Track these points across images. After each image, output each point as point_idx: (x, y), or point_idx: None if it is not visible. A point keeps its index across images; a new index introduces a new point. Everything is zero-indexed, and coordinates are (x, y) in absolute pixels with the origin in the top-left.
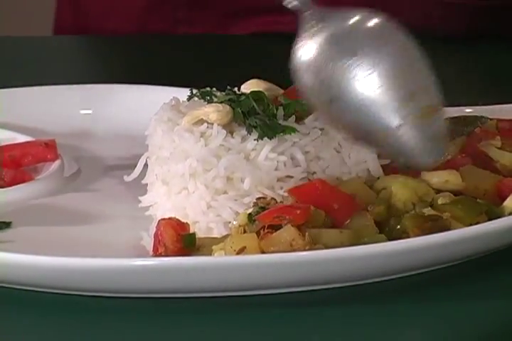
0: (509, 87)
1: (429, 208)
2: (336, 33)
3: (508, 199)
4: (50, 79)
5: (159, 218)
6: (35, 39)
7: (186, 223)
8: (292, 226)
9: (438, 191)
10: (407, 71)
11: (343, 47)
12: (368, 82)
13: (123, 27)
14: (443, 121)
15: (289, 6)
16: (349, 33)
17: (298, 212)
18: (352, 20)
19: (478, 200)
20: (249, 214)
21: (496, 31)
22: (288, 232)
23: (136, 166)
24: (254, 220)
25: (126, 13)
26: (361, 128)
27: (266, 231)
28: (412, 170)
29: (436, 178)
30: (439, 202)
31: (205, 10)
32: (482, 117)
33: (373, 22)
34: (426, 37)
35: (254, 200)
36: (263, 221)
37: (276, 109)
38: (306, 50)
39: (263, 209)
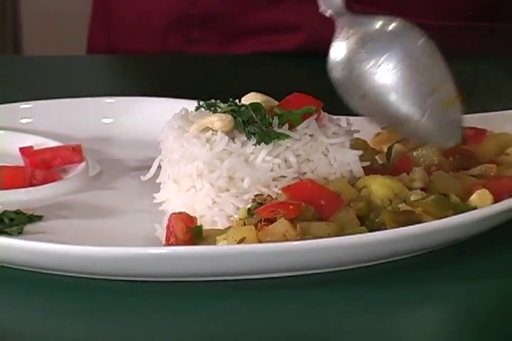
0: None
1: (404, 204)
2: (365, 35)
3: (473, 196)
4: (81, 93)
5: (171, 212)
6: (70, 58)
7: (194, 217)
8: (285, 219)
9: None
10: (428, 67)
11: (372, 48)
12: (394, 78)
13: (145, 46)
14: (459, 109)
15: (326, 13)
16: (376, 36)
17: (291, 207)
18: (378, 25)
19: (446, 197)
20: (249, 209)
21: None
22: (282, 225)
23: (151, 167)
24: (253, 214)
25: (148, 34)
26: (390, 119)
27: (263, 223)
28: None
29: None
30: (412, 198)
31: (213, 30)
32: None
33: (396, 25)
34: None
35: (253, 197)
36: (260, 215)
37: (272, 118)
38: (340, 51)
39: (260, 204)
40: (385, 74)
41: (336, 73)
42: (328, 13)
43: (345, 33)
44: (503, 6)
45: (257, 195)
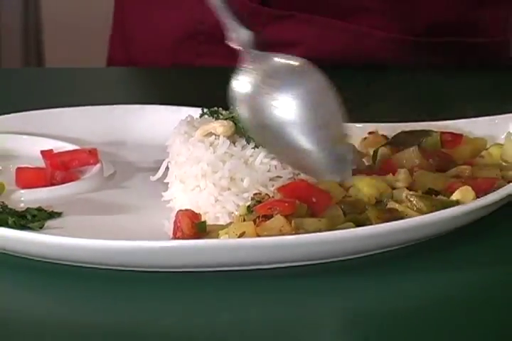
0: (443, 108)
1: (391, 201)
2: (267, 71)
3: (456, 192)
4: (99, 101)
5: (177, 209)
6: (89, 70)
7: (199, 213)
8: (281, 215)
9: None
10: (321, 105)
11: (271, 83)
12: (289, 113)
13: (159, 59)
14: (348, 147)
15: (233, 46)
16: (276, 72)
17: (286, 204)
18: (280, 62)
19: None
20: (248, 206)
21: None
22: (278, 221)
23: (159, 168)
24: (252, 211)
25: (161, 48)
26: (284, 151)
27: (261, 219)
28: (374, 172)
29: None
30: (403, 196)
31: (219, 45)
32: (430, 131)
33: (296, 64)
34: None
35: (252, 195)
36: (259, 211)
37: None
38: (242, 83)
39: (259, 202)
40: (283, 109)
41: (237, 105)
42: (236, 46)
43: (247, 67)
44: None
45: (255, 194)
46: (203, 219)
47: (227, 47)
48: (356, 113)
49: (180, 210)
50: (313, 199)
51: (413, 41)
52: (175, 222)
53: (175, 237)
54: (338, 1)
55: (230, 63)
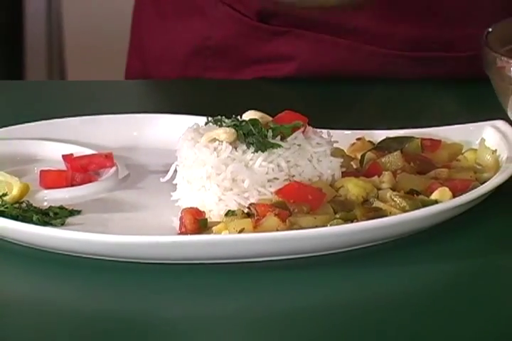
0: (424, 117)
1: (377, 201)
2: None
3: (434, 193)
4: (115, 110)
5: (184, 208)
6: (108, 82)
7: (203, 211)
8: (275, 216)
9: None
10: None
11: None
12: None
13: (170, 72)
14: None
15: None
16: None
17: (277, 211)
18: None
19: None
20: (247, 213)
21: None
22: (273, 221)
23: (169, 171)
24: (248, 214)
25: (172, 62)
26: None
27: (256, 218)
28: (361, 174)
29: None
30: (387, 196)
31: (224, 59)
32: (411, 137)
33: None
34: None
35: (248, 205)
36: (261, 213)
37: (267, 131)
38: None
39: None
40: None
41: None
42: None
43: None
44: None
45: (251, 204)
46: (207, 217)
47: (231, 61)
48: (345, 121)
49: (186, 208)
50: (309, 196)
51: (398, 55)
52: (180, 219)
53: (180, 232)
54: (329, 19)
55: (233, 76)
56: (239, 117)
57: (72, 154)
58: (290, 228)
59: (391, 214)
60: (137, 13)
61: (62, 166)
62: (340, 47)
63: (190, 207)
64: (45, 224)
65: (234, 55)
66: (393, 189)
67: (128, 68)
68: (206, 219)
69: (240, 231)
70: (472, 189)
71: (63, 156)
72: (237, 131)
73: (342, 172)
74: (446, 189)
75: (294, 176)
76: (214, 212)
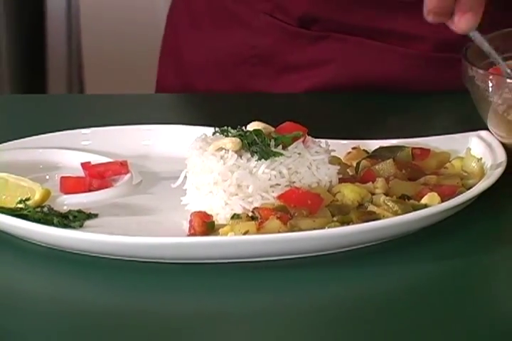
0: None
1: (371, 205)
2: None
3: (423, 198)
4: (128, 122)
5: (193, 211)
6: (125, 96)
7: (211, 215)
8: (277, 219)
9: (374, 194)
10: None
11: None
12: None
13: (216, 81)
14: None
15: None
16: None
17: (279, 214)
18: None
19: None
20: (251, 216)
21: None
22: (275, 223)
23: (179, 177)
24: (252, 217)
25: (216, 71)
26: None
27: (259, 221)
28: (356, 180)
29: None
30: (380, 200)
31: (267, 67)
32: (403, 146)
33: None
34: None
35: (252, 209)
36: (264, 216)
37: (270, 141)
38: None
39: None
40: None
41: None
42: None
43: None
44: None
45: (255, 208)
46: (215, 220)
47: (275, 67)
48: (342, 131)
49: (194, 212)
50: (308, 201)
51: (429, 56)
52: (189, 222)
53: (189, 234)
54: (365, 23)
55: (276, 81)
56: (244, 128)
57: (89, 162)
58: (291, 230)
59: (384, 217)
60: (170, 25)
61: (81, 173)
62: (375, 48)
63: (199, 211)
64: (64, 226)
65: (278, 61)
66: (386, 194)
67: (160, 79)
68: (213, 222)
69: (245, 233)
70: (459, 194)
71: (82, 164)
72: (242, 140)
73: (339, 179)
74: (435, 194)
75: (294, 182)
76: (221, 216)
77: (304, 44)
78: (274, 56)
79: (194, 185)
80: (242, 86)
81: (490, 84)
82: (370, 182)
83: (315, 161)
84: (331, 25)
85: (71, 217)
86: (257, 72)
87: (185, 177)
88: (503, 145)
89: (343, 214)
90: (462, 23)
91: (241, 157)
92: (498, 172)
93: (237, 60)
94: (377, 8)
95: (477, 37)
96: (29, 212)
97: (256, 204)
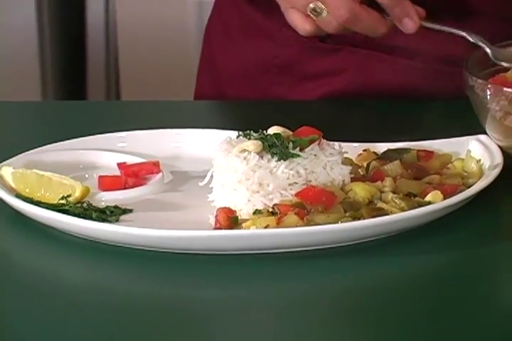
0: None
1: (380, 202)
2: None
3: (427, 196)
4: (163, 126)
5: (218, 207)
6: (160, 102)
7: (235, 210)
8: (294, 214)
9: (383, 192)
10: None
11: None
12: None
13: (244, 87)
14: None
15: None
16: None
17: (296, 210)
18: None
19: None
20: (272, 212)
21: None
22: (293, 218)
23: (206, 176)
24: (272, 213)
25: (244, 78)
26: None
27: (279, 216)
28: (367, 179)
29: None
30: (388, 198)
31: (288, 75)
32: (408, 149)
33: None
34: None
35: (272, 205)
36: (283, 212)
37: (288, 143)
38: None
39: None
40: None
41: None
42: None
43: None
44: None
45: (275, 205)
46: (238, 215)
47: (294, 76)
48: (354, 135)
49: (220, 208)
50: (323, 198)
51: (434, 68)
52: (216, 216)
53: (215, 228)
54: (378, 40)
55: (295, 89)
56: (265, 131)
57: (125, 162)
58: (307, 224)
59: (392, 213)
60: (208, 34)
61: (117, 172)
62: (383, 60)
63: (224, 207)
64: (102, 220)
65: (297, 70)
66: (394, 192)
67: (198, 85)
68: (237, 217)
69: (266, 227)
70: (460, 192)
71: (118, 164)
72: (263, 143)
73: (351, 178)
74: (438, 192)
75: (310, 181)
76: (244, 211)
77: (320, 56)
78: (293, 66)
79: (220, 184)
80: (265, 93)
81: (488, 93)
82: (379, 181)
83: (329, 162)
84: (343, 39)
85: (108, 212)
86: (278, 81)
87: (212, 176)
88: (501, 147)
89: (354, 210)
90: (406, 29)
91: (262, 158)
92: (496, 172)
93: (262, 68)
94: None
95: (429, 25)
96: (70, 207)
97: (276, 201)
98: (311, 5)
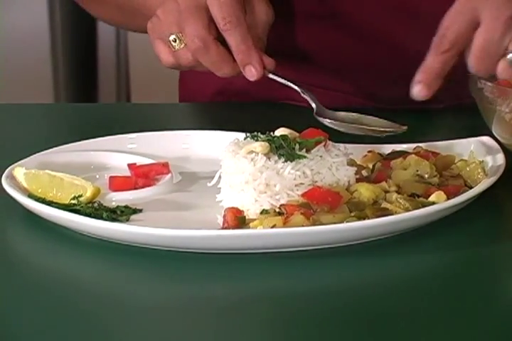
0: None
1: (385, 202)
2: None
3: (431, 196)
4: (173, 128)
5: (226, 207)
6: (163, 105)
7: (242, 210)
8: (301, 214)
9: (387, 192)
10: None
11: None
12: None
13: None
14: None
15: None
16: None
17: (303, 210)
18: None
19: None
20: (278, 212)
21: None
22: (299, 218)
23: (214, 177)
24: (279, 212)
25: (202, 97)
26: None
27: (285, 216)
28: (371, 180)
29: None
30: (393, 198)
31: (243, 99)
32: (405, 151)
33: None
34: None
35: (279, 205)
36: (289, 212)
37: (294, 145)
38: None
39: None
40: None
41: None
42: None
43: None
44: None
45: (282, 205)
46: (246, 215)
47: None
48: (359, 137)
49: (228, 208)
50: (329, 198)
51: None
52: (223, 216)
53: (223, 227)
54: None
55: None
56: (272, 133)
57: (135, 163)
58: (313, 224)
59: (396, 213)
60: None
61: (127, 173)
62: (334, 98)
63: (232, 207)
64: (113, 220)
65: (251, 96)
66: (398, 192)
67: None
68: (244, 217)
69: (272, 227)
70: (462, 193)
71: (128, 165)
72: (270, 144)
73: (356, 179)
74: (442, 193)
75: (316, 182)
76: (251, 211)
77: (275, 87)
78: (245, 92)
79: (228, 184)
80: (274, 96)
81: (497, 95)
82: (384, 182)
83: (335, 163)
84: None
85: (118, 212)
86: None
87: (220, 177)
88: (509, 147)
89: (359, 210)
90: (247, 75)
91: (269, 159)
92: (498, 173)
93: (216, 91)
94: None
95: (272, 76)
96: (81, 207)
97: (282, 201)
98: (172, 36)
